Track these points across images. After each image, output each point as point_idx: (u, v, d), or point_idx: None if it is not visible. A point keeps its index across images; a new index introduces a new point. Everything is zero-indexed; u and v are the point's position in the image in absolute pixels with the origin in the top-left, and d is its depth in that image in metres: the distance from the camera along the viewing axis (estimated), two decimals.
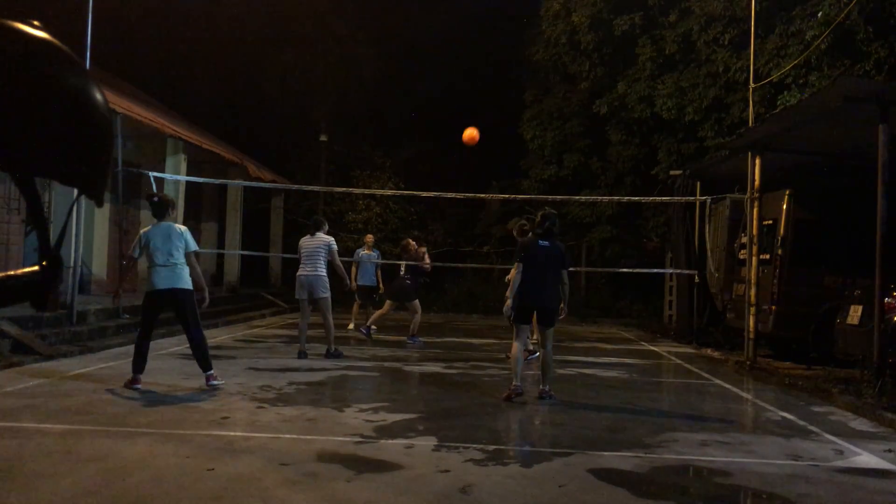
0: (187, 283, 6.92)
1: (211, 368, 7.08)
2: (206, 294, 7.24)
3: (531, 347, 9.41)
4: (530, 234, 7.85)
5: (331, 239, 9.52)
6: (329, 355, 9.38)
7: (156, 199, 7.18)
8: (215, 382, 7.02)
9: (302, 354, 9.34)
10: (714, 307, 13.08)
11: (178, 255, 6.90)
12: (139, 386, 6.86)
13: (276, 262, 19.71)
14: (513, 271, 7.37)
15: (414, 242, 12.75)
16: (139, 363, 6.95)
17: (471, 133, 11.99)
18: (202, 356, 7.02)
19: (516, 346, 7.08)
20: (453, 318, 17.63)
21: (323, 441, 5.23)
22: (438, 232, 22.30)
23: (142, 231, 7.19)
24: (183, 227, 7.05)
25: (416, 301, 11.85)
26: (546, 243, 7.09)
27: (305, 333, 9.50)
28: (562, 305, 7.22)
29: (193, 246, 6.99)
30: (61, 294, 10.00)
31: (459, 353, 10.83)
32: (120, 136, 11.57)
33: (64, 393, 6.66)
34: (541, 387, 7.16)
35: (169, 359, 9.04)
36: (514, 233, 9.74)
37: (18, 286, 1.72)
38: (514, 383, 7.00)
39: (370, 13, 22.57)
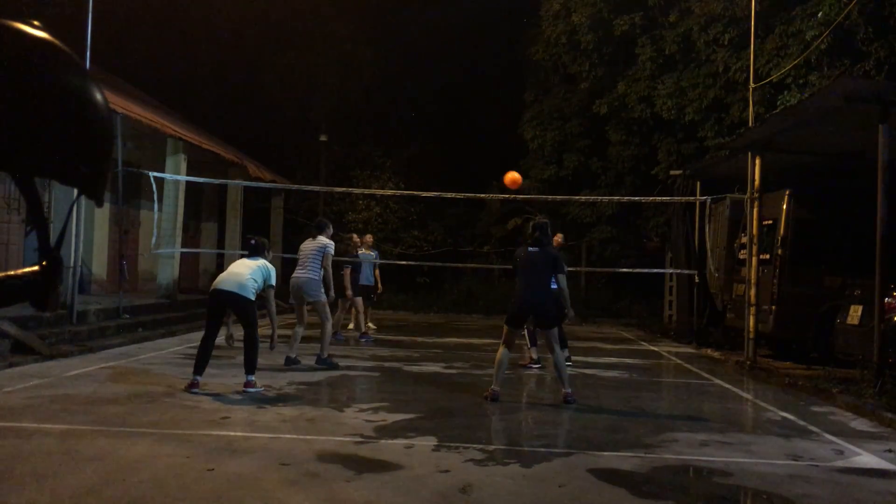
0: (249, 293, 7.07)
1: (252, 374, 7.01)
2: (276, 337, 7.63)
3: (535, 357, 9.43)
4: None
5: (328, 243, 9.04)
6: (320, 362, 8.71)
7: (253, 241, 7.70)
8: (251, 390, 6.90)
9: (288, 360, 8.68)
10: (714, 307, 13.08)
11: (251, 274, 7.16)
12: (197, 390, 6.79)
13: (276, 261, 19.66)
14: None
15: (357, 238, 12.42)
16: (199, 364, 6.92)
17: (513, 177, 12.42)
18: (247, 358, 7.04)
19: (502, 351, 7.10)
20: (453, 318, 17.62)
21: (323, 441, 5.23)
22: (438, 232, 22.30)
23: None
24: (270, 266, 7.44)
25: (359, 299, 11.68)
26: (535, 249, 7.21)
27: (298, 339, 8.89)
28: (567, 311, 7.30)
29: (272, 281, 7.34)
30: (61, 294, 10.00)
31: (459, 353, 10.83)
32: (120, 136, 11.56)
33: (64, 393, 6.65)
34: (563, 391, 7.06)
35: (169, 359, 9.04)
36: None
37: (18, 286, 1.72)
38: (492, 387, 7.00)
39: (370, 13, 22.56)
